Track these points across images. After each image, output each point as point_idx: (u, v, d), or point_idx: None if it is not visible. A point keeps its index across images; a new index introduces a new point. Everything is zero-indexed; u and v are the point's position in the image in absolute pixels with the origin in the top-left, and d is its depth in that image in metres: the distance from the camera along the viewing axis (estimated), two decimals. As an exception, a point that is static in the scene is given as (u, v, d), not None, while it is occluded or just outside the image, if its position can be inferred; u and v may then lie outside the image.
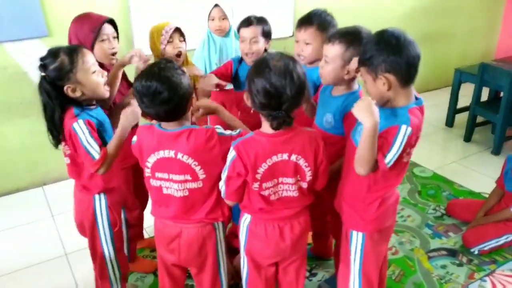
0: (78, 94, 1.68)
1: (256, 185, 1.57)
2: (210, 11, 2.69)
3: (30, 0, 2.87)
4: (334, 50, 1.78)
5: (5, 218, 2.97)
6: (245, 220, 1.71)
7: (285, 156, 1.55)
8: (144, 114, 1.67)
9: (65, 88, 1.66)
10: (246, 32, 2.29)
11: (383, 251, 1.84)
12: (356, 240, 1.74)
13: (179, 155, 1.57)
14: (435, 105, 4.70)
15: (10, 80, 3.00)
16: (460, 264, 2.47)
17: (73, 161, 1.79)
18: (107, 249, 1.93)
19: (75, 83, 1.67)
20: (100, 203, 1.84)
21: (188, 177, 1.60)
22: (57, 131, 1.72)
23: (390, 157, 1.49)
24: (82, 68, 1.67)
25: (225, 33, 2.75)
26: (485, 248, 2.50)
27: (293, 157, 1.56)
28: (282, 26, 3.84)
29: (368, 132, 1.44)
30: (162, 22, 2.32)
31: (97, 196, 1.83)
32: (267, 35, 2.35)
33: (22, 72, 3.02)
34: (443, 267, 2.45)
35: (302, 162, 1.57)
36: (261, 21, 2.34)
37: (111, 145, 1.71)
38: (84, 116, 1.68)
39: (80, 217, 1.91)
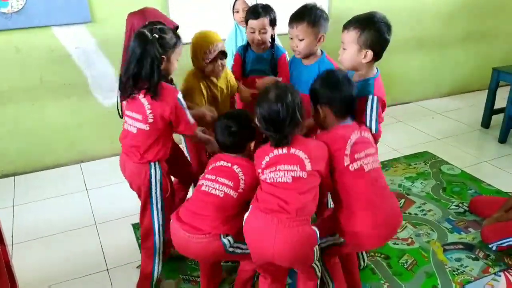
0: (163, 67, 1.92)
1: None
2: (234, 4, 2.80)
3: (77, -12, 3.10)
4: (349, 37, 1.89)
5: (44, 190, 3.21)
6: None
7: (285, 150, 1.79)
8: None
9: (164, 57, 1.90)
10: (255, 23, 2.39)
11: None
12: None
13: (235, 167, 1.89)
14: (473, 106, 4.61)
15: (56, 62, 3.24)
16: (476, 259, 2.44)
17: (151, 128, 1.93)
18: (157, 214, 2.07)
19: (168, 57, 1.93)
20: (155, 170, 2.01)
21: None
22: (153, 85, 1.87)
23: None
24: (177, 51, 1.97)
25: None
26: (504, 245, 2.46)
27: (292, 150, 1.79)
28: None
29: None
30: (206, 34, 2.27)
31: (152, 164, 2.00)
32: (273, 23, 2.43)
33: (67, 54, 3.25)
34: (458, 260, 2.43)
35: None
36: (268, 10, 2.42)
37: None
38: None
39: (137, 185, 2.06)
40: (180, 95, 1.92)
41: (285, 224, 1.67)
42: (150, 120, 1.90)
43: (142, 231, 2.12)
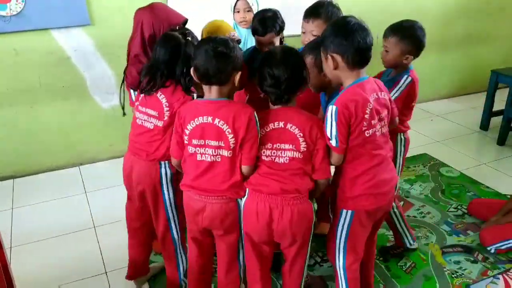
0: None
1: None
2: (235, 4, 2.81)
3: (76, -9, 3.11)
4: (308, 61, 1.87)
5: (43, 192, 3.20)
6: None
7: (282, 124, 1.73)
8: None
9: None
10: (262, 39, 2.26)
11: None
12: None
13: (216, 121, 1.72)
14: (473, 108, 4.61)
15: (54, 65, 3.24)
16: (475, 261, 2.44)
17: (164, 125, 1.90)
18: (171, 209, 2.04)
19: None
20: (166, 169, 1.97)
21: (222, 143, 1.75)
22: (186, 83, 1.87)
23: (330, 135, 1.70)
24: None
25: (250, 25, 2.84)
26: (502, 248, 2.46)
27: (289, 126, 1.73)
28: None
29: None
30: (220, 23, 2.39)
31: (162, 162, 1.96)
32: (281, 30, 2.30)
33: (66, 57, 3.25)
34: (457, 262, 2.43)
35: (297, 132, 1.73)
36: (274, 22, 2.24)
37: None
38: None
39: (147, 186, 2.01)
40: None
41: (289, 202, 1.73)
42: (166, 118, 1.89)
43: (160, 236, 2.11)
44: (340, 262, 1.92)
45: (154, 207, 2.05)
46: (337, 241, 1.89)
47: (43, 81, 3.24)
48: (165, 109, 1.88)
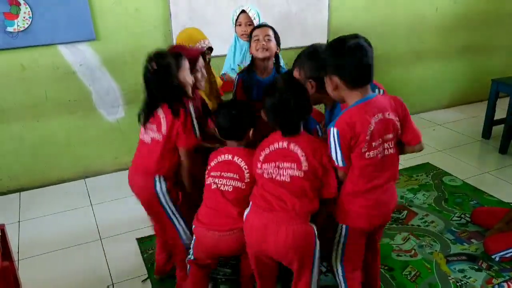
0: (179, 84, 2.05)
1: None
2: (237, 17, 2.88)
3: (82, 8, 3.16)
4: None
5: (49, 205, 3.24)
6: None
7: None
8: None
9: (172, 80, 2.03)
10: (259, 31, 2.44)
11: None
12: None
13: (235, 158, 1.95)
14: (474, 117, 4.65)
15: (60, 79, 3.29)
16: (479, 270, 2.45)
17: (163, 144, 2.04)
18: (178, 222, 2.15)
19: (177, 77, 2.04)
20: (160, 184, 2.06)
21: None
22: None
23: (335, 157, 1.73)
24: (182, 69, 2.06)
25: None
26: (507, 255, 2.47)
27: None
28: (315, 35, 3.92)
29: None
30: (192, 31, 2.55)
31: (157, 177, 2.05)
32: (277, 40, 2.47)
33: (72, 72, 3.30)
34: (461, 271, 2.44)
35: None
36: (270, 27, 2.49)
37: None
38: None
39: (144, 199, 2.14)
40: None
41: (286, 221, 1.74)
42: (159, 136, 2.04)
43: (171, 246, 2.24)
44: (339, 272, 1.95)
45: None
46: (334, 253, 1.93)
47: (49, 95, 3.29)
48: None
